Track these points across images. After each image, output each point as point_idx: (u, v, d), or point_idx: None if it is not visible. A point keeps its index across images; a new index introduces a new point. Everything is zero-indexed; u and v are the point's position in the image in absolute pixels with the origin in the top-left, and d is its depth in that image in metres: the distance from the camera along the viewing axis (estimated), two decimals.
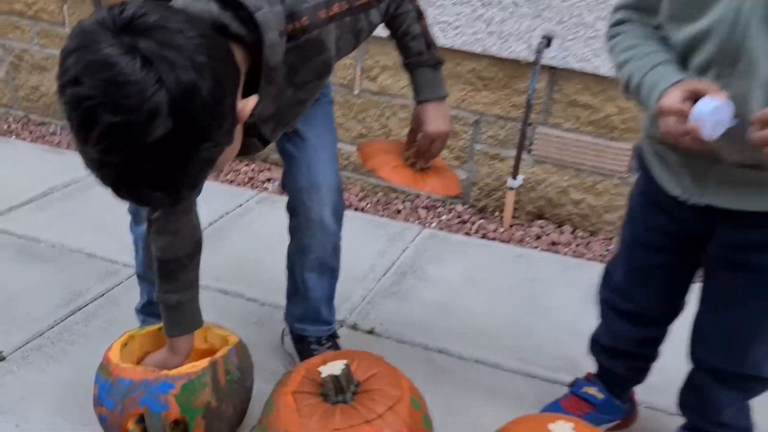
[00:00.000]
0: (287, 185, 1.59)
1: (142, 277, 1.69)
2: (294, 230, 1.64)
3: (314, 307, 1.70)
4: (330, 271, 1.69)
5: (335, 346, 1.72)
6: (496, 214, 2.65)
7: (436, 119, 1.42)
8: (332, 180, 1.56)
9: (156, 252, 1.36)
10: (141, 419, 1.34)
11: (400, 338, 1.88)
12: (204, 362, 1.37)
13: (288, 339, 1.78)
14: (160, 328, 1.53)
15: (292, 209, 1.61)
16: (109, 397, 1.35)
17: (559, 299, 2.10)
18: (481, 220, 2.62)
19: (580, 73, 2.35)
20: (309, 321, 1.72)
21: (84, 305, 1.97)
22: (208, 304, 1.84)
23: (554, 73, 2.40)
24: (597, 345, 1.55)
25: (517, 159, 2.47)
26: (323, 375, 1.26)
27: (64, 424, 1.54)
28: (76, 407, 1.58)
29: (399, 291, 2.11)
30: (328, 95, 1.58)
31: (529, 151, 2.52)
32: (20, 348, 1.78)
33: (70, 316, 1.92)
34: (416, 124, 1.45)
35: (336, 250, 1.67)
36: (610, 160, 2.42)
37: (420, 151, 1.46)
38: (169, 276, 1.38)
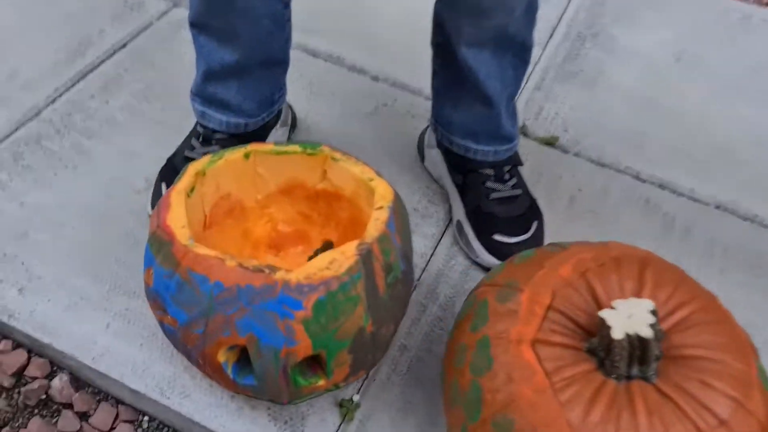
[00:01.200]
0: None
1: (198, 27, 0.96)
2: None
3: (489, 113, 1.00)
4: (518, 46, 0.96)
5: (520, 182, 1.06)
6: None
7: None
8: None
9: None
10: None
11: (598, 157, 1.21)
12: (350, 251, 0.73)
13: (436, 154, 1.12)
14: (247, 154, 0.86)
15: None
16: (179, 306, 0.73)
17: None
18: None
19: None
20: (478, 135, 1.03)
21: (98, 64, 1.25)
22: (292, 70, 1.13)
23: None
24: None
25: None
26: (616, 333, 0.63)
27: (89, 287, 0.95)
28: (105, 257, 0.98)
29: (580, 70, 1.37)
30: None
31: None
32: (7, 138, 1.12)
33: (79, 81, 1.21)
34: None
35: (531, 8, 0.93)
36: None
37: None
38: None
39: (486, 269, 1.02)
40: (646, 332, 0.62)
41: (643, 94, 1.34)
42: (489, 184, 1.03)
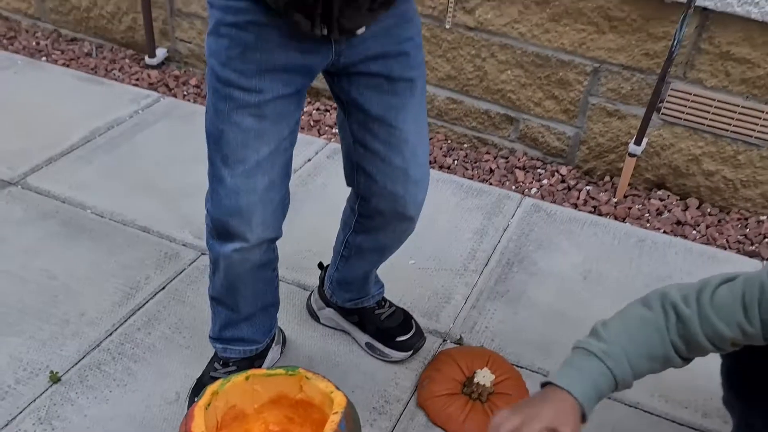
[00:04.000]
0: (367, 189, 1.29)
1: (217, 301, 1.39)
2: (370, 227, 1.37)
3: (366, 289, 1.54)
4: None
5: (389, 301, 1.59)
6: (607, 179, 2.27)
7: None
8: (428, 177, 1.32)
9: None
10: None
11: (517, 361, 1.59)
12: None
13: (329, 312, 1.63)
14: (247, 377, 1.25)
15: (376, 209, 1.32)
16: None
17: None
18: (590, 187, 2.24)
19: (743, 18, 1.88)
20: (364, 299, 1.56)
21: (143, 303, 1.69)
22: (286, 301, 1.57)
23: (706, 16, 1.93)
24: None
25: (645, 121, 2.05)
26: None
27: None
28: None
29: (507, 290, 1.79)
30: (421, 67, 1.22)
31: (658, 110, 2.09)
32: (77, 365, 1.53)
33: (129, 318, 1.65)
34: None
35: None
36: (761, 127, 2.00)
37: None
38: None
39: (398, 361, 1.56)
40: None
41: (555, 309, 1.74)
42: (377, 312, 1.54)
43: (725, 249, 2.01)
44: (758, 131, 2.00)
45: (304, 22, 1.02)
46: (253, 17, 1.02)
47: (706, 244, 2.02)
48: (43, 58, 2.82)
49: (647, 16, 1.98)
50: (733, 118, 2.01)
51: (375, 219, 1.34)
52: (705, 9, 1.90)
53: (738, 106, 1.99)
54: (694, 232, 2.07)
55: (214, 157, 1.16)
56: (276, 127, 1.12)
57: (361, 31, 1.08)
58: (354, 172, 1.28)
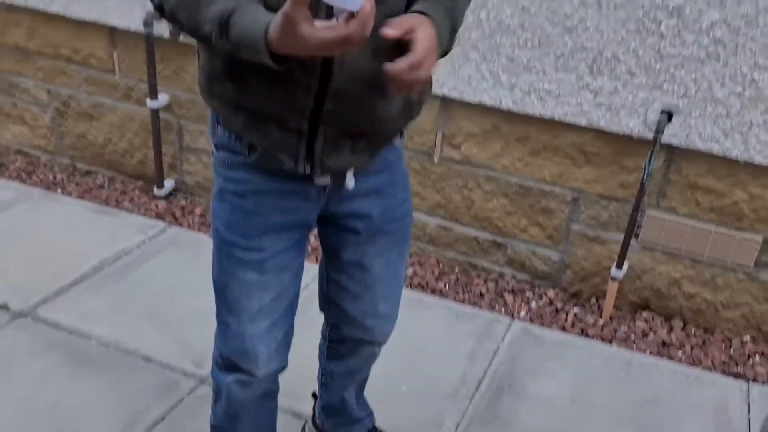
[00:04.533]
0: (338, 318, 1.39)
1: (218, 430, 1.44)
2: (341, 353, 1.46)
3: (351, 414, 1.59)
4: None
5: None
6: (593, 301, 2.35)
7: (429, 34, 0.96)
8: (397, 312, 1.41)
9: None
10: None
11: None
12: None
13: None
14: None
15: (346, 337, 1.42)
16: None
17: (686, 429, 1.80)
18: (577, 309, 2.32)
19: (706, 154, 2.04)
20: (349, 425, 1.61)
21: None
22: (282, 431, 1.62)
23: (672, 151, 2.09)
24: None
25: (624, 247, 2.16)
26: None
27: None
28: None
29: (497, 415, 1.84)
30: (407, 205, 1.31)
31: (636, 236, 2.21)
32: None
33: None
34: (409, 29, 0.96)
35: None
36: (734, 251, 2.11)
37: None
38: None
39: None
40: None
41: None
42: None
43: (711, 370, 2.06)
44: (732, 255, 2.11)
45: (287, 161, 1.09)
46: (252, 187, 1.14)
47: (691, 365, 2.07)
48: (59, 191, 3.00)
49: (619, 151, 2.14)
50: (707, 244, 2.12)
51: (345, 344, 1.43)
52: (671, 146, 2.06)
53: (711, 232, 2.11)
54: (680, 353, 2.13)
55: (220, 304, 1.25)
56: (278, 278, 1.21)
57: (350, 181, 1.17)
58: (326, 302, 1.38)
